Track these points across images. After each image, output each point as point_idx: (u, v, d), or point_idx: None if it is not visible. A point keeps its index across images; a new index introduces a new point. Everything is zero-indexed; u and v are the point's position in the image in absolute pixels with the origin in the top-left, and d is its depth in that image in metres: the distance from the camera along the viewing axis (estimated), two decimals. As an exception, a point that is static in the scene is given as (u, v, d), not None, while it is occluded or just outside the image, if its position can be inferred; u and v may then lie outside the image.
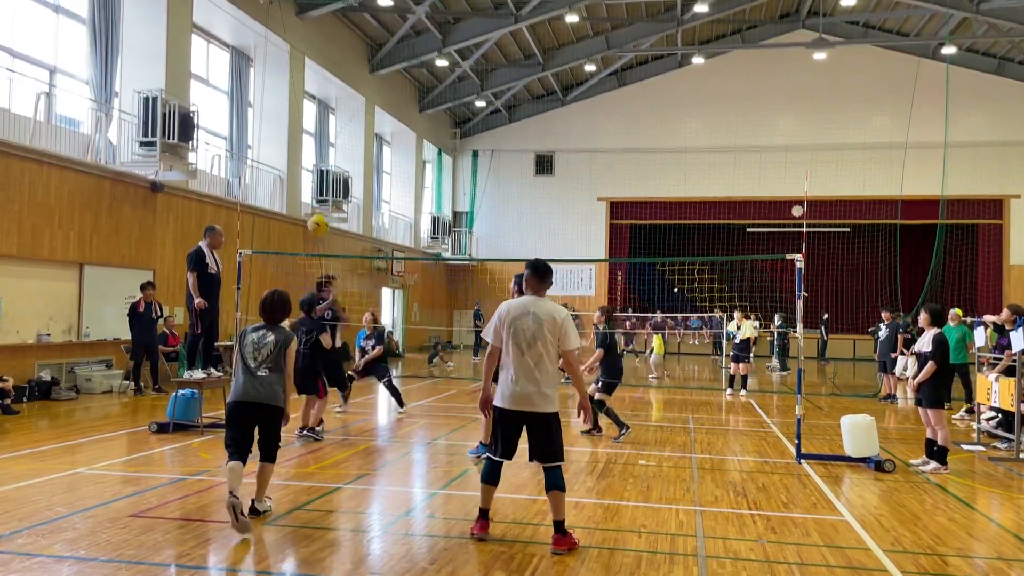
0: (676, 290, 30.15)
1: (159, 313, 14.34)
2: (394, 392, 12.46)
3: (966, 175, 28.74)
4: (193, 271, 10.26)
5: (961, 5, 24.39)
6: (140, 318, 13.87)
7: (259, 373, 6.04)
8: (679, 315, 30.05)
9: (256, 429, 6.07)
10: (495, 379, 5.80)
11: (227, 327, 14.54)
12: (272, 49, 20.21)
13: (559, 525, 5.51)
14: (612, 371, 10.61)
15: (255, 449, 6.06)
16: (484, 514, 5.75)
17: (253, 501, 6.12)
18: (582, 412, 6.00)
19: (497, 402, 5.67)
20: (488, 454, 5.79)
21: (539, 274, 5.79)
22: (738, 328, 17.09)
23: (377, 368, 12.60)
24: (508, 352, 5.62)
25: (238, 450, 5.95)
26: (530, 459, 5.67)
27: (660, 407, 14.32)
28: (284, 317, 6.40)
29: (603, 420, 10.70)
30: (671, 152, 31.49)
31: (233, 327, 11.27)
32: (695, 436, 10.80)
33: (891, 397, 15.36)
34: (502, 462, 5.70)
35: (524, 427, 5.64)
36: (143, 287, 14.05)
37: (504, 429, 5.66)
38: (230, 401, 6.11)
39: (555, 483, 5.53)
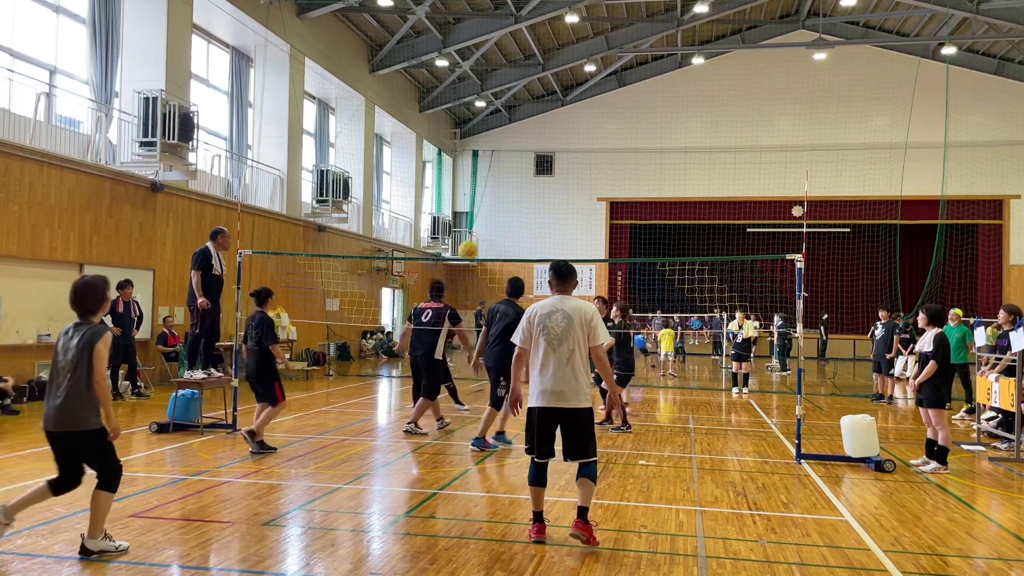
0: (685, 292, 30.01)
1: (137, 313, 13.64)
2: None
3: (966, 175, 28.74)
4: (198, 270, 10.18)
5: (961, 5, 24.38)
6: (120, 317, 13.11)
7: (58, 392, 5.04)
8: (679, 315, 30.02)
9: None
10: (526, 380, 5.86)
11: (227, 327, 14.54)
12: (272, 49, 20.22)
13: (582, 511, 5.55)
14: (625, 365, 11.26)
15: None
16: (539, 516, 5.73)
17: (83, 537, 5.18)
18: (613, 409, 6.05)
19: (531, 402, 5.68)
20: (530, 456, 5.73)
21: (561, 275, 5.87)
22: (740, 328, 17.31)
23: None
24: (539, 351, 5.65)
25: (57, 478, 5.20)
26: (565, 458, 5.66)
27: (661, 407, 14.31)
28: (98, 308, 5.26)
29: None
30: (671, 152, 31.48)
31: (234, 327, 11.27)
32: (695, 436, 10.81)
33: (886, 397, 15.31)
34: (546, 463, 5.67)
35: (558, 425, 5.63)
36: (120, 286, 13.19)
37: (540, 429, 5.63)
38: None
39: (586, 473, 5.58)
